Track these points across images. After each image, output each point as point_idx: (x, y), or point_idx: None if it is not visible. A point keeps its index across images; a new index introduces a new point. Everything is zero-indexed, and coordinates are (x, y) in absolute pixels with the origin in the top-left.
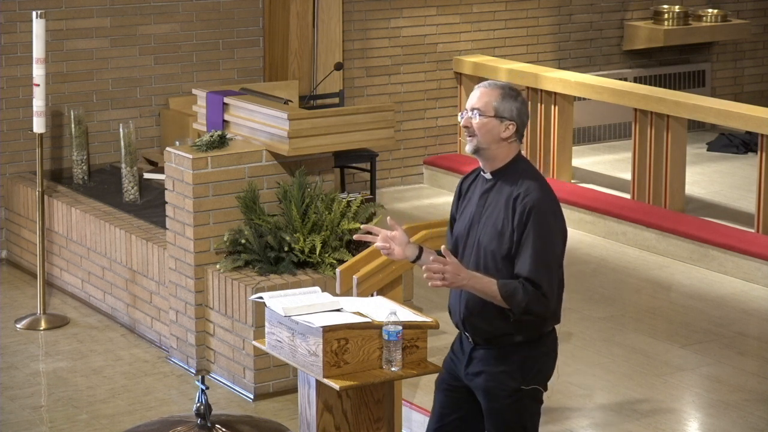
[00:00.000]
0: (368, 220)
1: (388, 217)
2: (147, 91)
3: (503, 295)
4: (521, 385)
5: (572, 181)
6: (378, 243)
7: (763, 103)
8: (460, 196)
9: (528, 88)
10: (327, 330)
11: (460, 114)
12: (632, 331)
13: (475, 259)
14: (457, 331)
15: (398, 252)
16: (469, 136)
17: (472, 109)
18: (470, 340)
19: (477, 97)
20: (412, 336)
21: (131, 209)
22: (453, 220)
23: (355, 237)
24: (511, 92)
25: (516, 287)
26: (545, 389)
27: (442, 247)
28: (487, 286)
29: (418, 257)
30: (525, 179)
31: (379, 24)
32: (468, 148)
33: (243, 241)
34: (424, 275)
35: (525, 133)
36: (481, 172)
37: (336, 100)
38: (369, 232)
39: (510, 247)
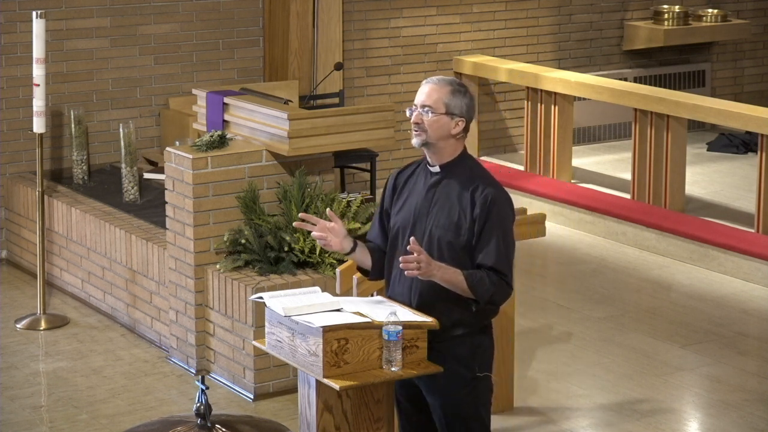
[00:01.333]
0: (368, 220)
1: (328, 209)
2: (147, 91)
3: (470, 285)
4: (476, 373)
5: (572, 181)
6: (315, 233)
7: (763, 103)
8: (394, 190)
9: (528, 88)
10: (327, 330)
11: (408, 109)
12: (632, 331)
13: (428, 249)
14: None
15: (335, 243)
16: (418, 131)
17: (423, 106)
18: None
19: (427, 93)
20: (412, 336)
21: (131, 209)
22: (386, 213)
23: (294, 224)
24: (460, 88)
25: (482, 277)
26: (492, 374)
27: (412, 238)
28: (454, 276)
29: (353, 250)
30: (477, 174)
31: (379, 24)
32: (415, 142)
33: (243, 241)
34: (401, 264)
35: (470, 127)
36: (427, 165)
37: (336, 100)
38: (306, 221)
39: (469, 238)
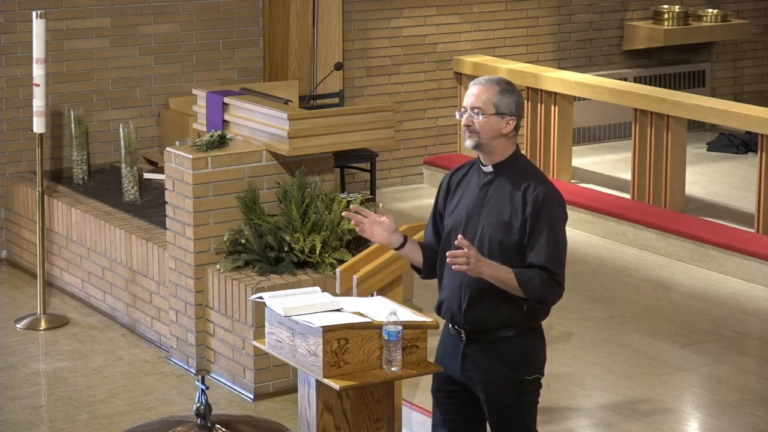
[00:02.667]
0: None
1: (381, 204)
2: (147, 91)
3: (520, 283)
4: (524, 376)
5: (572, 181)
6: (356, 221)
7: (763, 103)
8: (448, 191)
9: (528, 88)
10: (327, 330)
11: (458, 112)
12: (632, 331)
13: (479, 249)
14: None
15: (382, 237)
16: (470, 134)
17: (473, 108)
18: (462, 336)
19: (475, 95)
20: (412, 336)
21: (131, 209)
22: (439, 214)
23: (344, 213)
24: (508, 87)
25: (532, 275)
26: (543, 376)
27: (459, 236)
28: (504, 273)
29: (402, 246)
30: (529, 173)
31: (379, 24)
32: (468, 144)
33: (243, 241)
34: (448, 259)
35: (522, 125)
36: (480, 165)
37: (336, 100)
38: (358, 212)
39: (520, 237)
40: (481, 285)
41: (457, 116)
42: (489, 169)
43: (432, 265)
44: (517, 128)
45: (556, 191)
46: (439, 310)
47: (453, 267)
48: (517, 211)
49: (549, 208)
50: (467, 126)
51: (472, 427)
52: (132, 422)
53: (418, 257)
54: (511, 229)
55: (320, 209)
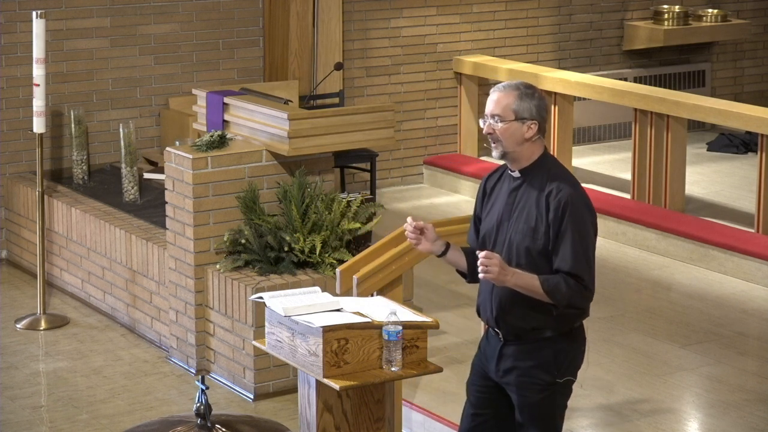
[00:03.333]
0: (368, 220)
1: (410, 219)
2: (147, 91)
3: (546, 290)
4: (556, 379)
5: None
6: (409, 233)
7: (763, 103)
8: (484, 195)
9: None
10: (327, 330)
11: (481, 120)
12: (632, 331)
13: (507, 255)
14: (480, 331)
15: (425, 246)
16: (494, 142)
17: (493, 116)
18: (500, 337)
19: (495, 102)
20: (412, 336)
21: (131, 209)
22: (477, 219)
23: (406, 228)
24: (527, 91)
25: (558, 282)
26: (575, 379)
27: (482, 252)
28: (530, 281)
29: (444, 253)
30: (555, 175)
31: (379, 24)
32: (495, 155)
33: (243, 241)
34: (479, 263)
35: (546, 128)
36: (509, 171)
37: (336, 100)
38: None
39: (545, 243)
40: (509, 293)
41: (480, 123)
42: (517, 174)
43: (476, 270)
44: (542, 131)
45: (580, 193)
46: (478, 312)
47: (480, 276)
48: (542, 216)
49: (572, 211)
50: (489, 134)
51: (501, 425)
52: (132, 422)
53: (462, 262)
54: (537, 234)
55: (320, 209)
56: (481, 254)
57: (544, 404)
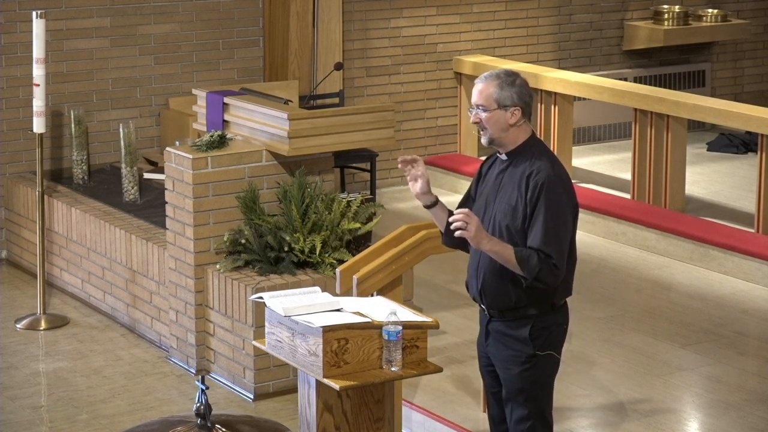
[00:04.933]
0: (368, 220)
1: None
2: (147, 91)
3: (518, 259)
4: (536, 351)
5: (572, 181)
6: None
7: (763, 103)
8: (479, 178)
9: None
10: (327, 330)
11: (469, 110)
12: (632, 331)
13: (491, 233)
14: (478, 326)
15: (416, 190)
16: (481, 130)
17: (477, 106)
18: (486, 312)
19: (478, 92)
20: (412, 336)
21: (131, 209)
22: (468, 197)
23: (400, 159)
24: (507, 78)
25: (531, 254)
26: (560, 355)
27: (465, 210)
28: (504, 249)
29: (432, 206)
30: (537, 158)
31: (379, 24)
32: (483, 141)
33: (243, 241)
34: (451, 219)
35: (532, 111)
36: (498, 154)
37: (336, 100)
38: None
39: (523, 221)
40: (492, 267)
41: (469, 113)
42: (504, 157)
43: (452, 235)
44: (526, 115)
45: (559, 174)
46: (467, 289)
47: (454, 233)
48: (522, 195)
49: (548, 191)
50: (475, 123)
51: None
52: (132, 422)
53: (443, 220)
54: (516, 213)
55: (320, 209)
56: (458, 210)
57: (525, 377)
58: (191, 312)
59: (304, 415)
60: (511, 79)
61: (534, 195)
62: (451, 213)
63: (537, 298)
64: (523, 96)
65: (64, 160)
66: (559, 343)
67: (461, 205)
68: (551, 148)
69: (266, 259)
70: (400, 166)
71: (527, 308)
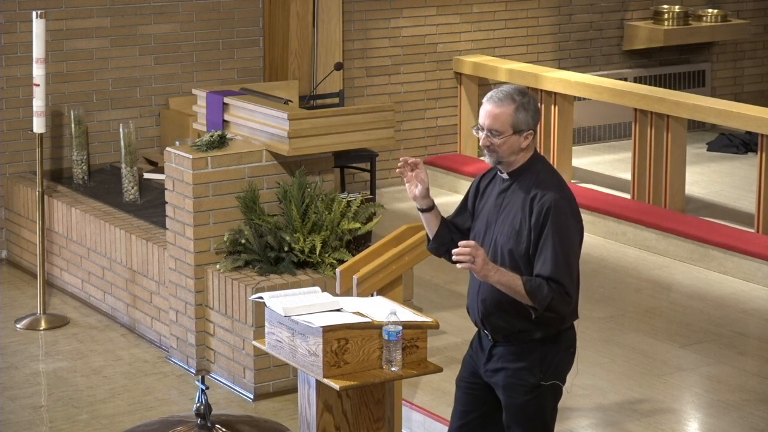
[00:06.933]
0: (368, 220)
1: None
2: (147, 91)
3: (527, 291)
4: (541, 381)
5: (572, 181)
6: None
7: (763, 103)
8: (477, 193)
9: (528, 88)
10: (327, 330)
11: (475, 129)
12: (632, 331)
13: (492, 256)
14: (475, 329)
15: (414, 194)
16: (490, 153)
17: (491, 130)
18: (490, 337)
19: (492, 117)
20: (412, 336)
21: (131, 209)
22: (464, 210)
23: (401, 160)
24: (523, 100)
25: (541, 283)
26: (563, 383)
27: (462, 242)
28: (512, 280)
29: (425, 211)
30: (542, 179)
31: (379, 24)
32: (489, 161)
33: (243, 241)
34: (454, 251)
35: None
36: (498, 173)
37: (336, 100)
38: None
39: (527, 246)
40: (494, 296)
41: (474, 132)
42: (506, 176)
43: (441, 243)
44: (534, 135)
45: (566, 199)
46: (468, 313)
47: (457, 265)
48: (526, 219)
49: (555, 216)
50: (486, 146)
51: (488, 424)
52: (132, 422)
53: (433, 229)
54: (521, 237)
55: (320, 209)
56: (463, 243)
57: (529, 406)
58: (191, 312)
59: (304, 415)
60: (525, 100)
61: (540, 220)
62: (444, 220)
63: (544, 323)
64: (537, 119)
65: (64, 160)
66: (565, 370)
67: (456, 215)
68: (551, 149)
69: (266, 259)
70: (399, 167)
71: (533, 332)
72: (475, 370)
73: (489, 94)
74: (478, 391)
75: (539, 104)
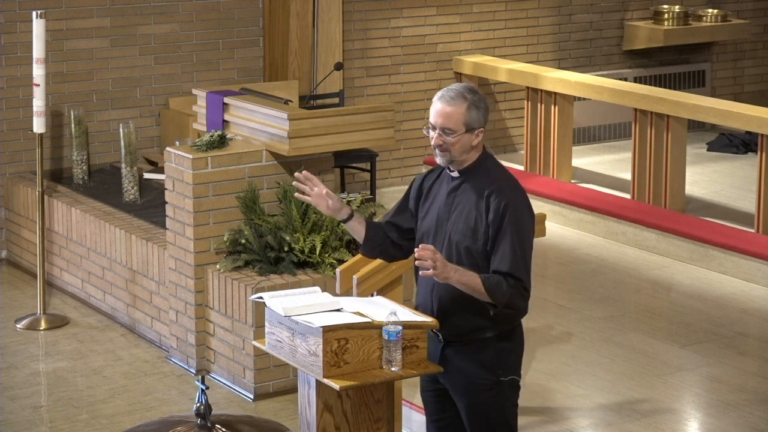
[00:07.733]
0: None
1: (305, 171)
2: (147, 91)
3: (487, 288)
4: (500, 377)
5: (572, 181)
6: (309, 193)
7: (763, 103)
8: (420, 194)
9: (528, 88)
10: (327, 330)
11: (425, 129)
12: (632, 331)
13: (447, 254)
14: None
15: (326, 211)
16: (442, 152)
17: (443, 129)
18: (440, 338)
19: (444, 116)
20: (412, 336)
21: (131, 209)
22: (404, 210)
23: (296, 175)
24: (474, 98)
25: (499, 280)
26: (520, 378)
27: (420, 245)
28: (471, 279)
29: (347, 220)
30: (495, 177)
31: (379, 24)
32: (441, 161)
33: (243, 241)
34: (416, 262)
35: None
36: (447, 170)
37: (336, 100)
38: (309, 181)
39: (485, 242)
40: (449, 294)
41: (425, 132)
42: (456, 174)
43: (374, 245)
44: (484, 133)
45: (520, 196)
46: (418, 311)
47: (420, 273)
48: (482, 216)
49: (511, 213)
50: (438, 146)
51: (461, 426)
52: (132, 422)
53: (360, 234)
54: (477, 234)
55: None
56: (422, 246)
57: (491, 404)
58: (191, 312)
59: (304, 415)
60: (476, 98)
61: (497, 216)
62: (370, 222)
63: (500, 320)
64: (486, 114)
65: (64, 160)
66: (519, 365)
67: (395, 215)
68: (551, 148)
69: (266, 259)
70: (295, 184)
71: (485, 331)
72: (435, 376)
73: (440, 93)
74: (444, 396)
75: (539, 103)
